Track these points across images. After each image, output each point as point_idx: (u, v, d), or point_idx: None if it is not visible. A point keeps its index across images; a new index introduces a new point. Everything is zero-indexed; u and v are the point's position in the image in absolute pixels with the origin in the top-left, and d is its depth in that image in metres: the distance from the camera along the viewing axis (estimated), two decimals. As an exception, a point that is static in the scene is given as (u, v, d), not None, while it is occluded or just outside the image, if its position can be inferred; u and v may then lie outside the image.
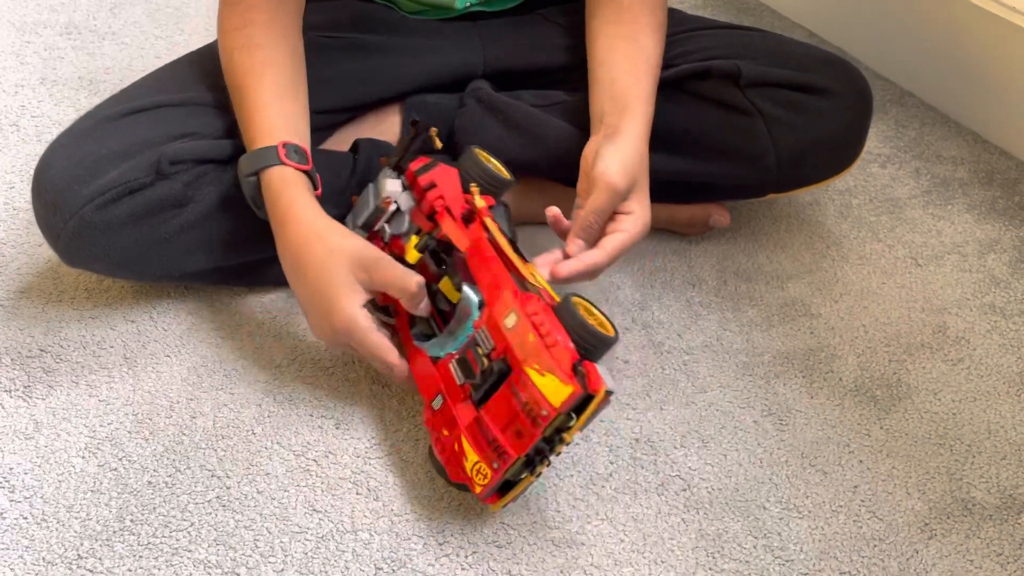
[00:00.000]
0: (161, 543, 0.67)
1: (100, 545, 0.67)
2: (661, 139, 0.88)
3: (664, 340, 0.86)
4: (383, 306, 0.76)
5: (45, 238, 0.81)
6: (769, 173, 0.88)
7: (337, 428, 0.76)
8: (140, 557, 0.66)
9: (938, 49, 1.20)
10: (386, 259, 0.73)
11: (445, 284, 0.73)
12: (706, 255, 0.97)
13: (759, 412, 0.79)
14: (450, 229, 0.73)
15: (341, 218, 0.81)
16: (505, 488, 0.67)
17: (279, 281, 0.88)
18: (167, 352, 0.83)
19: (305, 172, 0.78)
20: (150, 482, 0.71)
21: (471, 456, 0.65)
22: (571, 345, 0.63)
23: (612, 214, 0.79)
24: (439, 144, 0.78)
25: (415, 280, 0.72)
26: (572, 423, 0.62)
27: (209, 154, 0.81)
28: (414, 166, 0.77)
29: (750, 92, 0.86)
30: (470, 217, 0.73)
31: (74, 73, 1.21)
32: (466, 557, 0.67)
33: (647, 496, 0.72)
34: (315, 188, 0.79)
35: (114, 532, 0.68)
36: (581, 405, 0.62)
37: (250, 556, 0.67)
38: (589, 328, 0.63)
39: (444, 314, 0.75)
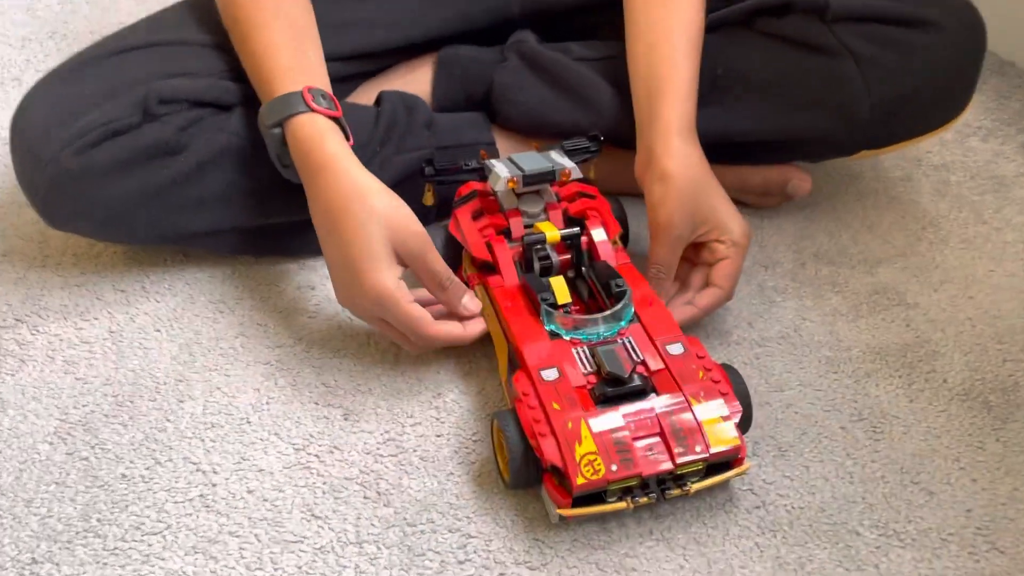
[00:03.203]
0: (130, 548, 0.57)
1: (59, 548, 0.56)
2: (729, 90, 0.76)
3: (732, 329, 0.73)
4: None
5: (24, 194, 0.71)
6: (861, 126, 0.74)
7: (345, 419, 0.65)
8: (104, 564, 0.56)
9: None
10: (429, 244, 0.65)
11: (558, 282, 0.67)
12: (780, 234, 0.84)
13: (847, 417, 0.66)
14: (599, 240, 0.70)
15: None
16: (588, 500, 0.56)
17: (291, 251, 0.78)
18: (157, 326, 0.72)
19: (335, 120, 0.67)
20: (124, 475, 0.61)
21: (587, 445, 0.56)
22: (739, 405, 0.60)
23: (706, 244, 0.70)
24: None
25: (461, 290, 0.67)
26: (697, 479, 0.58)
27: (207, 95, 0.70)
28: (565, 176, 0.70)
29: (839, 29, 0.73)
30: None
31: (86, 27, 1.12)
32: (491, 580, 0.55)
33: (712, 514, 0.59)
34: (347, 138, 0.69)
35: (77, 533, 0.57)
36: (717, 467, 0.58)
37: (233, 568, 0.56)
38: (749, 399, 0.62)
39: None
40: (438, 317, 0.66)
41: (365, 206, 0.64)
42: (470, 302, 0.67)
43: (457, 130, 0.80)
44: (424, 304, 0.66)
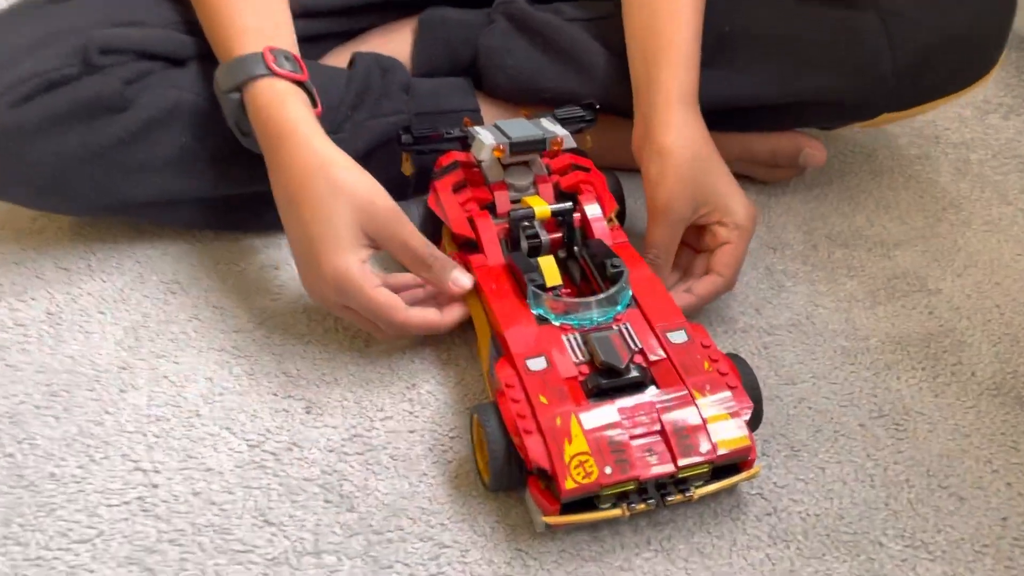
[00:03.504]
0: (54, 558, 0.49)
1: (-27, 558, 0.49)
2: (736, 49, 0.69)
3: (737, 316, 0.67)
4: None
5: (-45, 158, 0.64)
6: (884, 85, 0.68)
7: (307, 413, 0.58)
8: (24, 577, 0.49)
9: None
10: (403, 221, 0.58)
11: (548, 262, 0.60)
12: (789, 213, 0.77)
13: (867, 413, 0.60)
14: (594, 216, 0.63)
15: None
16: (578, 507, 0.49)
17: (256, 226, 0.71)
18: (101, 308, 0.65)
19: (300, 84, 0.61)
20: (53, 474, 0.54)
21: (578, 444, 0.49)
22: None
23: (708, 227, 0.63)
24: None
25: (429, 251, 0.59)
26: (701, 483, 0.51)
27: (156, 47, 0.63)
28: (557, 145, 0.64)
29: None
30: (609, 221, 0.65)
31: (44, -10, 1.04)
32: (467, 596, 0.49)
33: (718, 522, 0.53)
34: (314, 105, 0.62)
35: (-5, 540, 0.50)
36: (724, 470, 0.52)
37: (172, 582, 0.49)
38: (759, 393, 0.55)
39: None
40: (414, 303, 0.60)
41: (328, 180, 0.57)
42: (461, 276, 0.59)
43: (438, 96, 0.73)
44: (398, 289, 0.59)
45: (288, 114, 0.59)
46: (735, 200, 0.63)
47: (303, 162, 0.58)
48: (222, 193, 0.68)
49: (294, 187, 0.58)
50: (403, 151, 0.67)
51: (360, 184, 0.58)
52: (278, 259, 0.70)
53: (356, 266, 0.56)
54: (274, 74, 0.60)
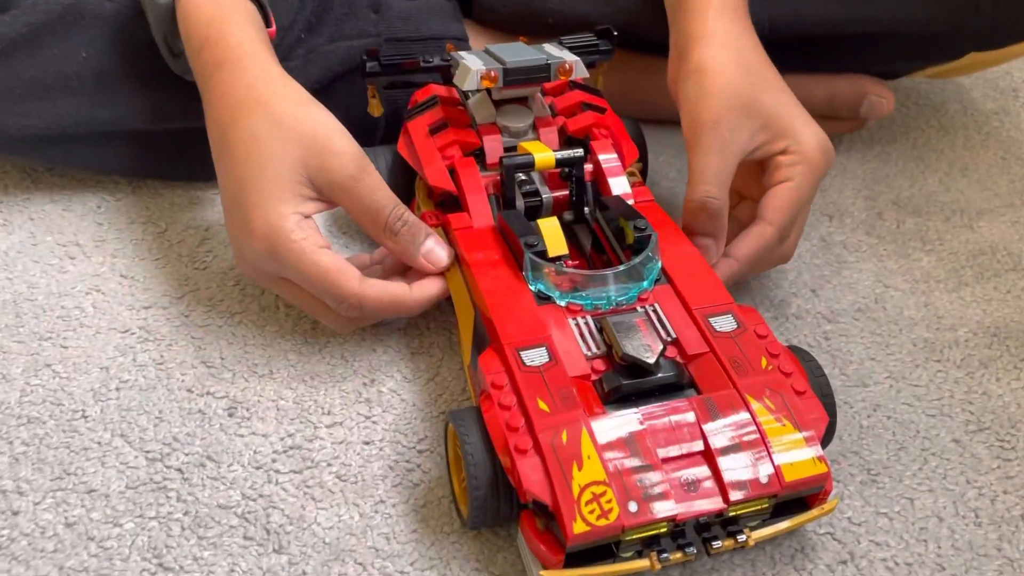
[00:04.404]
0: None
1: None
2: None
3: (790, 298, 0.53)
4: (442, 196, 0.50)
5: None
6: (978, 12, 0.54)
7: (230, 416, 0.44)
8: None
9: None
10: (364, 169, 0.44)
11: (550, 224, 0.46)
12: (846, 175, 0.63)
13: (961, 425, 0.46)
14: (610, 168, 0.49)
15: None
16: (590, 555, 0.36)
17: (184, 174, 0.58)
18: (-24, 275, 0.51)
19: None
20: None
21: (592, 470, 0.35)
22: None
23: (769, 162, 0.48)
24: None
25: (398, 212, 0.46)
26: (758, 523, 0.38)
27: None
28: (565, 73, 0.49)
29: None
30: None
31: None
32: None
33: (776, 572, 0.39)
34: (267, 24, 0.50)
35: None
36: (788, 504, 0.38)
37: (19, 655, 0.35)
38: (833, 400, 0.41)
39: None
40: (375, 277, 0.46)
41: (267, 114, 0.44)
42: (436, 248, 0.46)
43: (416, 18, 0.59)
44: (360, 268, 0.46)
45: (232, 33, 0.47)
46: (802, 123, 0.48)
47: (242, 91, 0.45)
48: (140, 128, 0.54)
49: (227, 122, 0.45)
50: (368, 82, 0.53)
51: (311, 120, 0.44)
52: (210, 219, 0.56)
53: (294, 220, 0.42)
54: None
